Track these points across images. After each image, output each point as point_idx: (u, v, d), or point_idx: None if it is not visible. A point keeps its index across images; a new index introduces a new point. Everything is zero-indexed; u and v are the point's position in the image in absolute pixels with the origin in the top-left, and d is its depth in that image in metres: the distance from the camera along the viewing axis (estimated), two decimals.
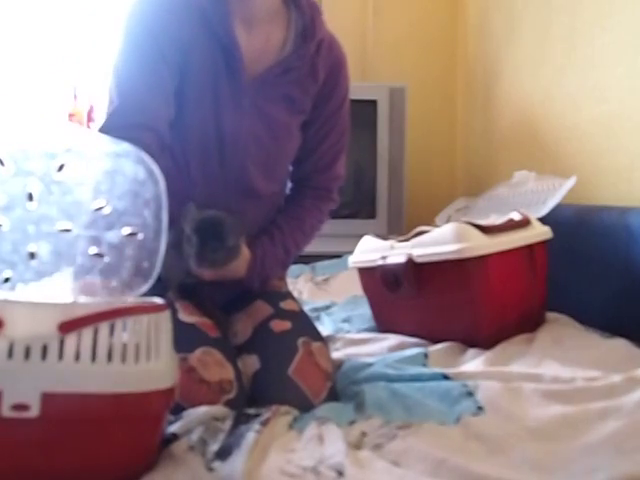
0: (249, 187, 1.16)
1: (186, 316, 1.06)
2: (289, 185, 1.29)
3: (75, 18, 2.38)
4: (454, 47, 2.66)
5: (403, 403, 0.94)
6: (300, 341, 1.08)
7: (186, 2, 1.08)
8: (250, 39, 1.11)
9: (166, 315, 0.74)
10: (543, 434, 0.82)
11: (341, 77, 1.21)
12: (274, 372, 1.03)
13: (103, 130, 1.02)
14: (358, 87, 2.36)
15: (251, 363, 1.05)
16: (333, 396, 1.05)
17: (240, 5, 1.08)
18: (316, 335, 1.14)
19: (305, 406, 0.98)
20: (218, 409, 0.91)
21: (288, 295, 1.25)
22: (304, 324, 1.16)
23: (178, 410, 0.88)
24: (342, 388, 1.08)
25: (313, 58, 1.15)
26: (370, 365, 1.12)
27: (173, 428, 0.83)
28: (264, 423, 0.86)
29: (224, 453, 0.77)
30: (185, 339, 0.98)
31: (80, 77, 2.32)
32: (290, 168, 1.27)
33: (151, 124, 1.04)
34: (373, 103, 2.32)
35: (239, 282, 1.16)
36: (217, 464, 0.74)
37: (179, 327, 1.00)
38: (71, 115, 2.38)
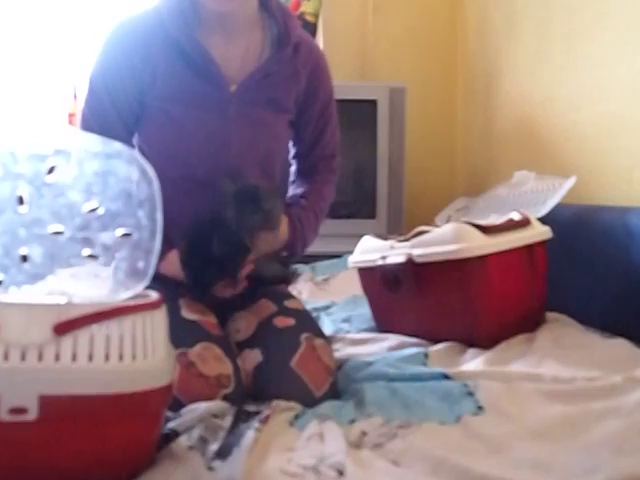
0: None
1: (189, 314, 1.08)
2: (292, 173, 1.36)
3: (75, 18, 2.37)
4: (454, 47, 2.66)
5: (403, 402, 0.94)
6: (303, 336, 1.09)
7: (153, 30, 1.12)
8: (230, 49, 1.15)
9: (162, 311, 0.74)
10: (543, 434, 0.82)
11: (324, 77, 1.26)
12: (276, 364, 1.04)
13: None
14: (358, 87, 2.37)
15: (253, 357, 1.06)
16: (335, 392, 1.06)
17: (218, 20, 1.13)
18: (319, 332, 1.16)
19: (307, 398, 0.99)
20: (217, 405, 0.92)
21: (292, 295, 1.28)
22: (307, 321, 1.18)
23: (176, 404, 0.88)
24: (343, 388, 1.08)
25: (292, 60, 1.19)
26: (370, 364, 1.12)
27: (172, 425, 0.83)
28: (264, 421, 0.86)
29: (224, 452, 0.77)
30: (186, 335, 1.01)
31: (80, 77, 2.31)
32: (292, 164, 1.33)
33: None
34: (373, 103, 2.31)
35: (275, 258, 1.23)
36: (217, 463, 0.75)
37: (181, 324, 1.03)
38: (71, 115, 2.37)
